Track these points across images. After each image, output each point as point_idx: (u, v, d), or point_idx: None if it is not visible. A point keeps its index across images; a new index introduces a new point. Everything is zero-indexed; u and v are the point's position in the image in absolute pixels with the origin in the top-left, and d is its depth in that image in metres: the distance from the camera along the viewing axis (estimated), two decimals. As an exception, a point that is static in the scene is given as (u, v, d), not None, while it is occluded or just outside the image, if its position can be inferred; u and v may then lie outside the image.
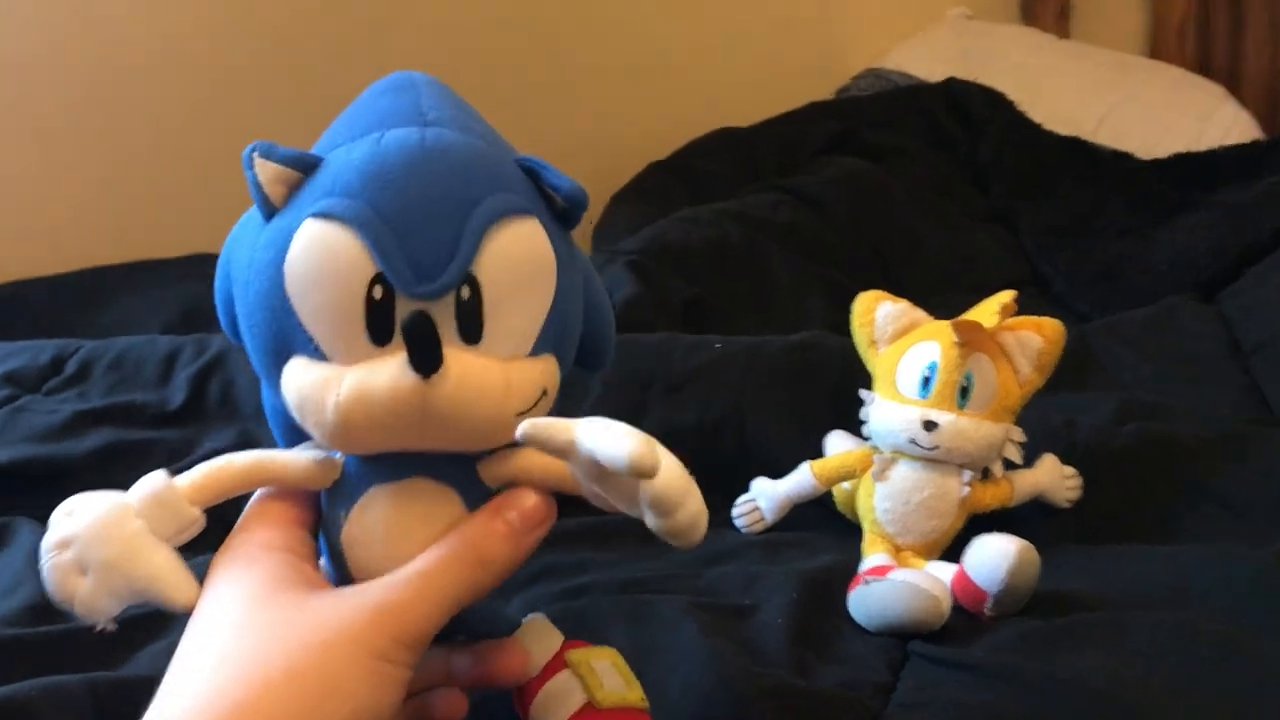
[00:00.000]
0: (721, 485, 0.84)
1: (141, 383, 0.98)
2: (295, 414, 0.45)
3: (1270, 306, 1.11)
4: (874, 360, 0.81)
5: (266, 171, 0.44)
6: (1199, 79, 1.87)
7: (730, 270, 1.25)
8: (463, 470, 0.48)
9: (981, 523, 0.78)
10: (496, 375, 0.44)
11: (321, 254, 0.43)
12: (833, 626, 0.71)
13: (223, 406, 0.96)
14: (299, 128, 0.49)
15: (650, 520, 0.45)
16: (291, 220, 0.44)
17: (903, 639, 0.70)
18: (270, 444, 0.88)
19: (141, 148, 1.53)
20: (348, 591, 0.44)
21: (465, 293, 0.44)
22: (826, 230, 1.39)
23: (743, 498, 0.85)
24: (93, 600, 0.45)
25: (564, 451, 0.44)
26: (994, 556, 0.71)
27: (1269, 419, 0.96)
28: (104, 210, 1.51)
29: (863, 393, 0.81)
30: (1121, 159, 1.63)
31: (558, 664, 0.53)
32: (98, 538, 0.44)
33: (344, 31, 1.60)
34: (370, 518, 0.47)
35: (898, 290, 0.83)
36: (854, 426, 0.83)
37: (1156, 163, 1.61)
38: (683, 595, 0.72)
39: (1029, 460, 0.81)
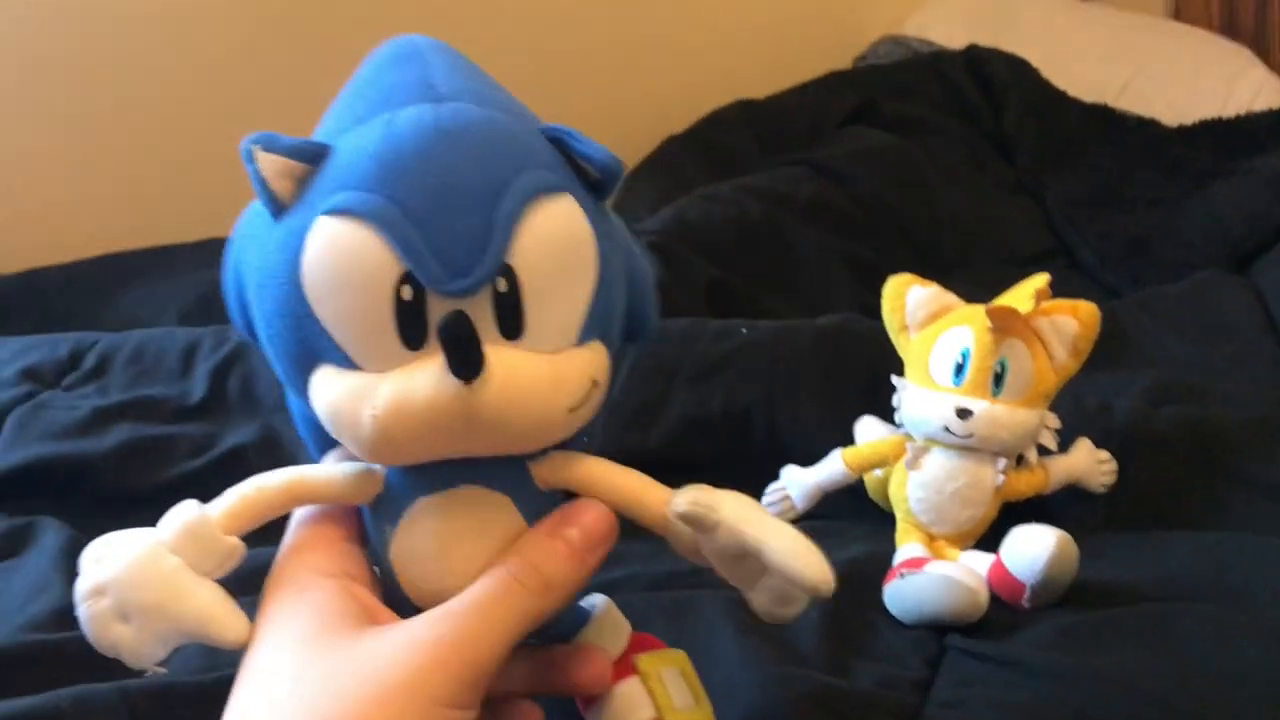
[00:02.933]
0: (751, 473, 0.83)
1: (161, 376, 0.97)
2: (328, 427, 0.42)
3: (1306, 280, 1.11)
4: (906, 346, 0.80)
5: (270, 165, 0.40)
6: (1224, 41, 1.80)
7: (753, 249, 1.23)
8: (514, 473, 0.45)
9: (1015, 511, 0.77)
10: (543, 371, 0.41)
11: (341, 256, 0.39)
12: (867, 621, 0.71)
13: (243, 400, 0.95)
14: (314, 106, 0.46)
15: (760, 604, 0.46)
16: (304, 218, 0.40)
17: (939, 632, 0.69)
18: (293, 438, 0.90)
19: (154, 130, 1.52)
20: (403, 629, 0.41)
21: (502, 285, 0.40)
22: (851, 205, 1.37)
23: (773, 486, 0.83)
24: (138, 647, 0.42)
25: (710, 532, 0.44)
26: (1033, 547, 0.69)
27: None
28: (117, 196, 1.50)
29: (895, 379, 0.79)
30: (1148, 126, 1.60)
31: (626, 667, 0.50)
32: (133, 581, 0.41)
33: (356, 5, 1.57)
34: (419, 532, 0.44)
35: (924, 264, 0.84)
36: (886, 413, 0.81)
37: (1184, 129, 1.59)
38: (718, 590, 0.72)
39: (1063, 446, 0.80)
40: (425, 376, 0.40)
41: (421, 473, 0.44)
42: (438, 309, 0.40)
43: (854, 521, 0.83)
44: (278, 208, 0.41)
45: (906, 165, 1.46)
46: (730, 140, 1.59)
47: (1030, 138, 1.59)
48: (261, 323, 0.43)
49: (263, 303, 0.42)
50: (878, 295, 0.81)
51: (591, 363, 0.43)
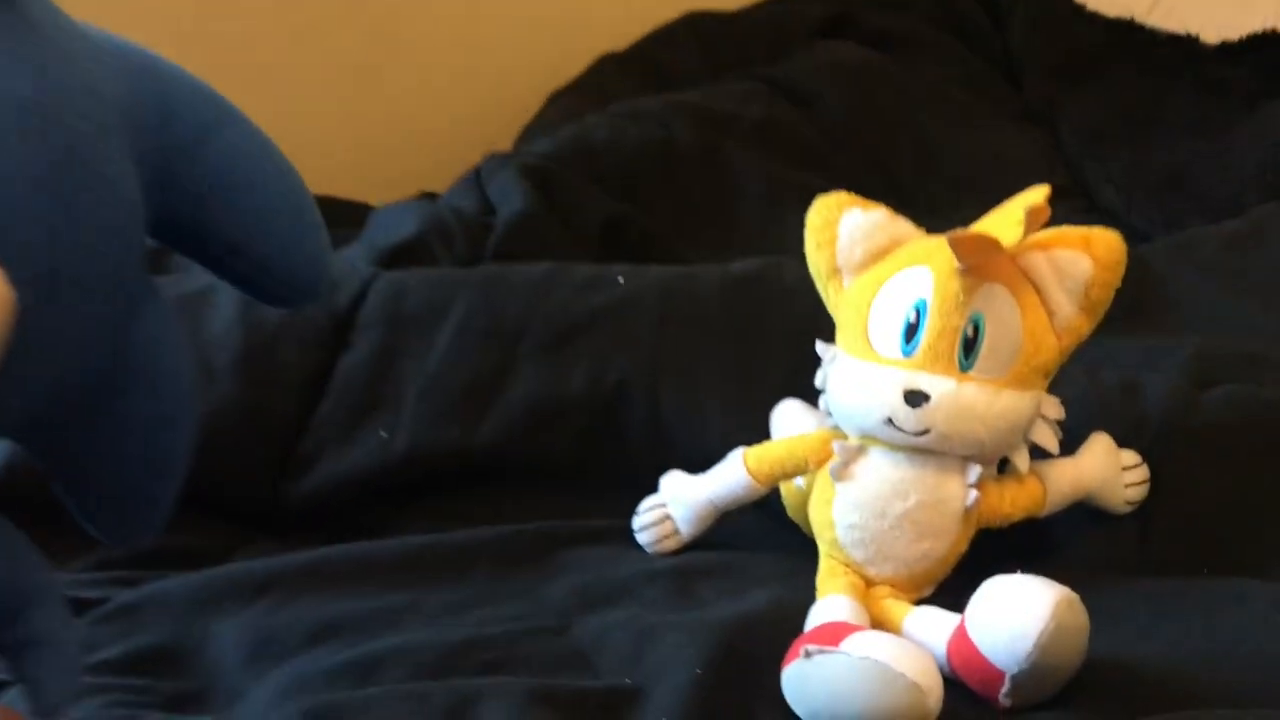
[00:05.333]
0: (623, 482, 0.72)
1: None
2: None
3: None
4: (837, 297, 0.65)
5: None
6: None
7: (677, 181, 1.08)
8: None
9: (996, 544, 0.63)
10: None
11: None
12: (747, 715, 0.55)
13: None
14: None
15: None
16: None
17: (868, 746, 0.54)
18: None
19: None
20: None
21: None
22: (814, 131, 1.21)
23: (648, 502, 0.69)
24: None
25: None
26: (1016, 616, 0.54)
27: None
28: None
29: (820, 346, 0.64)
30: (1184, 43, 1.47)
31: None
32: None
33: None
34: None
35: (906, 206, 0.68)
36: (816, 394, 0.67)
37: (1227, 46, 1.46)
38: (526, 677, 0.56)
39: (1071, 445, 0.66)
40: None
41: None
42: None
43: (763, 553, 0.68)
44: None
45: (887, 86, 1.32)
46: (676, 59, 1.43)
47: (1040, 57, 1.46)
48: None
49: None
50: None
51: None
